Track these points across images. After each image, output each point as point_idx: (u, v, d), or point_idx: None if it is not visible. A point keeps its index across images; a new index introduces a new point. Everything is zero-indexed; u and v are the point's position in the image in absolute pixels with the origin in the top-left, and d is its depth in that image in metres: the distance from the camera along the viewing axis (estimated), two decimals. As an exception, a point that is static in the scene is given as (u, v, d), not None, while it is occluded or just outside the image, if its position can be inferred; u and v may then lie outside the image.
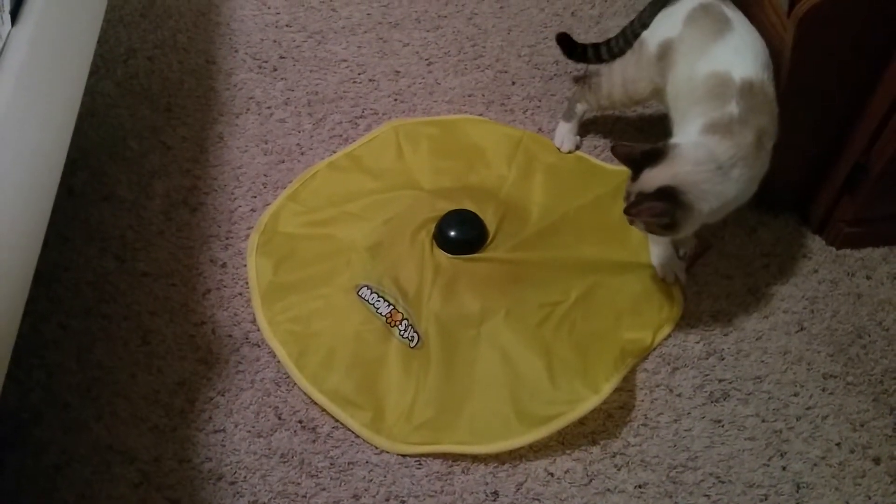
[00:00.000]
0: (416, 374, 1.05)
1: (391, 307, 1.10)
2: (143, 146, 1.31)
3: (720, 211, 1.03)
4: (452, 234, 1.17)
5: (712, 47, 1.07)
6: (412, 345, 1.07)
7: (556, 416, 1.00)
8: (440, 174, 1.27)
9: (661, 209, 0.98)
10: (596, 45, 1.34)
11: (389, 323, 1.09)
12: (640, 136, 1.35)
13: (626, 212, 1.00)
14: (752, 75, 1.04)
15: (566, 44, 1.37)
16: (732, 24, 1.09)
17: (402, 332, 1.08)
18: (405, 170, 1.28)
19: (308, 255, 1.17)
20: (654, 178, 0.98)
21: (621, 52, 1.26)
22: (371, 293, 1.11)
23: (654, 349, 1.11)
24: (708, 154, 0.99)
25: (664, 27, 1.16)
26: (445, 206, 1.20)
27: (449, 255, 1.15)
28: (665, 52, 1.13)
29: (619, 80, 1.21)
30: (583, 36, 1.51)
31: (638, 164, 1.00)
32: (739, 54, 1.06)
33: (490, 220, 1.19)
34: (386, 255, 1.16)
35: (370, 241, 1.17)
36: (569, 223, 1.22)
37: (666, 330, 1.12)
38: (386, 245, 1.17)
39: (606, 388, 1.02)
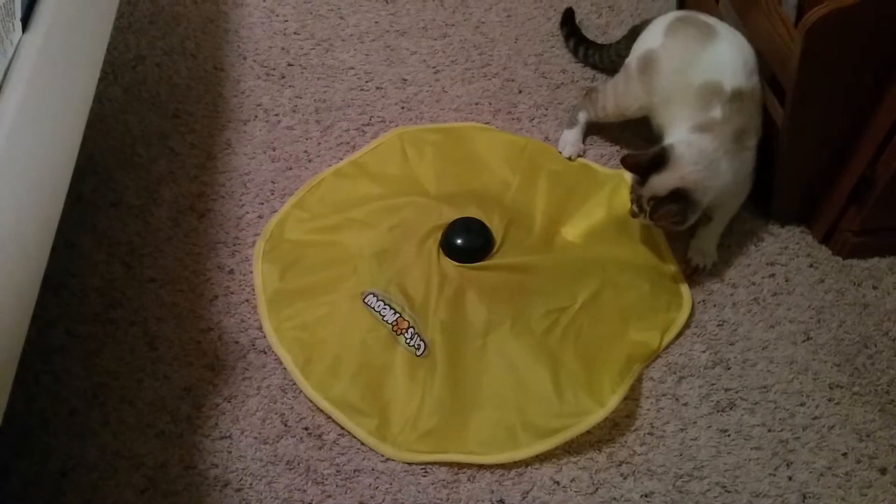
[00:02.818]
0: (423, 382, 1.05)
1: (397, 315, 1.10)
2: (150, 152, 1.31)
3: (711, 203, 1.13)
4: (459, 242, 1.17)
5: (702, 56, 1.16)
6: (418, 353, 1.07)
7: (561, 429, 1.00)
8: (445, 180, 1.28)
9: (677, 210, 1.09)
10: (580, 42, 1.46)
11: (395, 331, 1.09)
12: (645, 145, 1.35)
13: (651, 218, 1.11)
14: (743, 84, 1.14)
15: (567, 18, 1.49)
16: (717, 32, 1.17)
17: (408, 341, 1.08)
18: (410, 176, 1.28)
19: (314, 261, 1.17)
20: (663, 182, 1.09)
21: (593, 65, 1.45)
22: (377, 301, 1.11)
23: (660, 357, 1.11)
24: (699, 152, 1.10)
25: (644, 42, 1.24)
26: (451, 213, 1.20)
27: (456, 264, 1.15)
28: (647, 64, 1.21)
29: (612, 95, 1.28)
30: (589, 45, 1.52)
31: (645, 170, 1.10)
32: (729, 63, 1.14)
33: (496, 227, 1.19)
34: (392, 262, 1.16)
35: (376, 247, 1.17)
36: (573, 228, 1.22)
37: (674, 331, 1.12)
38: (392, 252, 1.17)
39: (613, 401, 1.02)
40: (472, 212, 1.20)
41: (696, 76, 1.14)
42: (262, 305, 1.13)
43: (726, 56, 1.15)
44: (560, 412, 1.01)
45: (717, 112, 1.12)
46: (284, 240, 1.20)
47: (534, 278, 1.15)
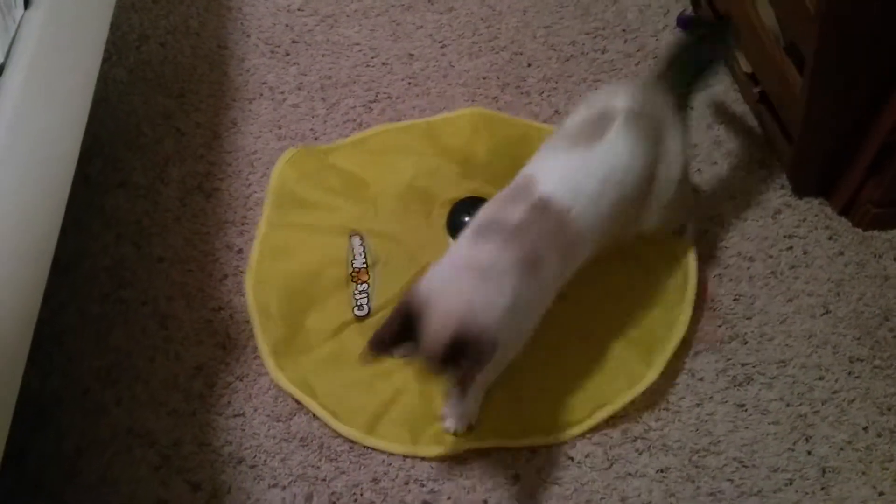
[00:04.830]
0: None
1: (364, 265, 1.12)
2: (156, 132, 1.31)
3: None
4: (465, 220, 1.15)
5: (554, 147, 0.96)
6: (358, 312, 1.07)
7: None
8: (496, 165, 1.24)
9: (471, 364, 0.77)
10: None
11: (353, 278, 1.11)
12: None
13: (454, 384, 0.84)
14: (557, 194, 0.88)
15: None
16: (605, 136, 0.92)
17: (356, 295, 1.09)
18: (467, 150, 1.27)
19: (335, 183, 1.22)
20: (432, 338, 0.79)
21: None
22: (360, 244, 1.14)
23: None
24: (466, 262, 0.83)
25: None
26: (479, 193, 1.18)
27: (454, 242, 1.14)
28: None
29: None
30: (600, 15, 1.48)
31: (400, 337, 0.80)
32: (559, 166, 0.92)
33: None
34: (396, 220, 1.16)
35: (390, 195, 1.19)
36: None
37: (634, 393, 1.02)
38: (400, 210, 1.18)
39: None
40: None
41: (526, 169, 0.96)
42: (268, 202, 1.19)
43: (568, 160, 0.93)
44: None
45: (518, 213, 0.87)
46: (327, 164, 1.24)
47: None
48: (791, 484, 0.97)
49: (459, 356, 0.76)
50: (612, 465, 0.98)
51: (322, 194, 1.21)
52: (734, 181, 1.25)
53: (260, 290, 1.10)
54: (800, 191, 1.24)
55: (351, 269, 1.12)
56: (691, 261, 1.13)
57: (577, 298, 1.08)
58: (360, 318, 1.08)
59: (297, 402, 1.02)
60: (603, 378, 1.02)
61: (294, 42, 1.45)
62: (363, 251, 1.13)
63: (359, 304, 1.08)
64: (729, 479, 0.97)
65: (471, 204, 1.17)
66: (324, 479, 0.96)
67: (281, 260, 1.13)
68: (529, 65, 1.42)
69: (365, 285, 1.10)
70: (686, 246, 1.13)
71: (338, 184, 1.22)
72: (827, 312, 1.11)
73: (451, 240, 1.15)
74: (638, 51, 1.43)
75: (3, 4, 0.87)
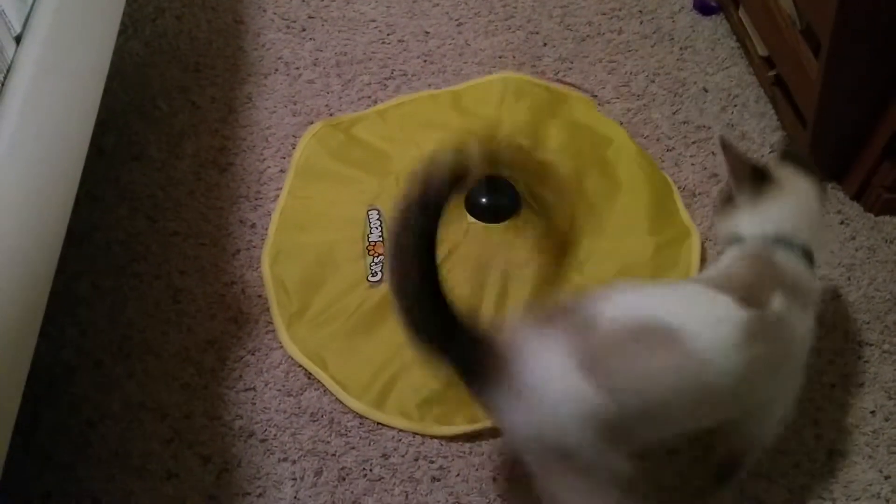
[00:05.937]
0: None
1: (381, 238, 1.12)
2: (171, 106, 1.30)
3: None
4: (483, 200, 1.15)
5: None
6: (372, 279, 1.09)
7: None
8: (523, 133, 1.24)
9: None
10: None
11: (368, 251, 1.12)
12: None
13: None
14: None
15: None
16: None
17: (372, 264, 1.10)
18: (494, 120, 1.26)
19: (358, 157, 1.22)
20: None
21: None
22: (377, 217, 1.15)
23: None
24: None
25: None
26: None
27: (472, 220, 1.14)
28: None
29: None
30: (617, -4, 1.47)
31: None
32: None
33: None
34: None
35: (408, 171, 1.18)
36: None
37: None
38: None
39: None
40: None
41: None
42: (290, 173, 1.21)
43: None
44: None
45: None
46: (350, 134, 1.25)
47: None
48: (798, 467, 0.97)
49: None
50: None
51: (344, 168, 1.22)
52: (748, 165, 1.25)
53: (276, 261, 1.11)
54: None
55: (367, 243, 1.13)
56: (696, 243, 1.14)
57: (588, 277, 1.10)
58: (373, 284, 1.09)
59: (308, 376, 1.03)
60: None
61: (310, 17, 1.44)
62: (380, 224, 1.14)
63: (373, 271, 1.10)
64: (737, 461, 0.98)
65: (489, 183, 1.17)
66: (334, 454, 0.97)
67: (299, 232, 1.14)
68: (545, 44, 1.41)
69: (381, 257, 1.11)
70: (693, 238, 1.15)
71: (361, 158, 1.23)
72: (837, 297, 1.11)
73: (469, 217, 1.14)
74: (654, 32, 1.42)
75: (20, -26, 0.87)
